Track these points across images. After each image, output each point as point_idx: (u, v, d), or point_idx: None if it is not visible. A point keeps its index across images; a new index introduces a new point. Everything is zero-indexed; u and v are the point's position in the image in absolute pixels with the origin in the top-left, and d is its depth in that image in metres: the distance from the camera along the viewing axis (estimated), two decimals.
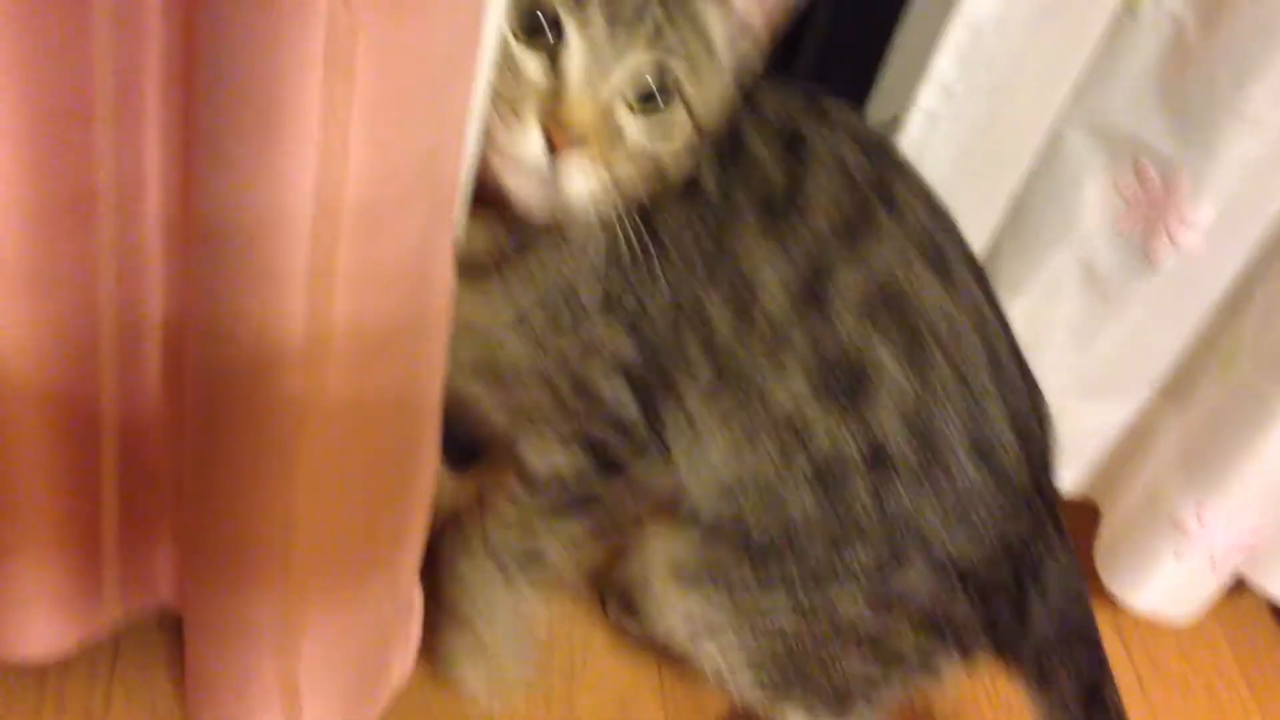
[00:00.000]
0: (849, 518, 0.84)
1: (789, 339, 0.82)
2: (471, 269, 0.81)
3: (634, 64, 0.74)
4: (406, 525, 0.87)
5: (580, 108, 0.73)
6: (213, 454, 0.76)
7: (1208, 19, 0.97)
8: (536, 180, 0.75)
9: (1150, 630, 1.22)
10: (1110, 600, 1.15)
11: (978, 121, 1.00)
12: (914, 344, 0.82)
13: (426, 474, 0.85)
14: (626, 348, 0.84)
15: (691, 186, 0.82)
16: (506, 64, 0.73)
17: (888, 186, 0.86)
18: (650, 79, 0.75)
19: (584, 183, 0.75)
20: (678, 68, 0.76)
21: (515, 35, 0.73)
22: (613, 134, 0.76)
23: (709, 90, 0.78)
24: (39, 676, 0.96)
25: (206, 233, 0.65)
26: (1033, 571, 0.87)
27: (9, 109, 0.60)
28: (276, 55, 0.56)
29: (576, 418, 0.87)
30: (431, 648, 1.00)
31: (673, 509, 0.90)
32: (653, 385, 0.85)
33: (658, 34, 0.74)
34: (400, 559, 0.89)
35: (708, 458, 0.86)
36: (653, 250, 0.81)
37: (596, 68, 0.73)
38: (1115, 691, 0.92)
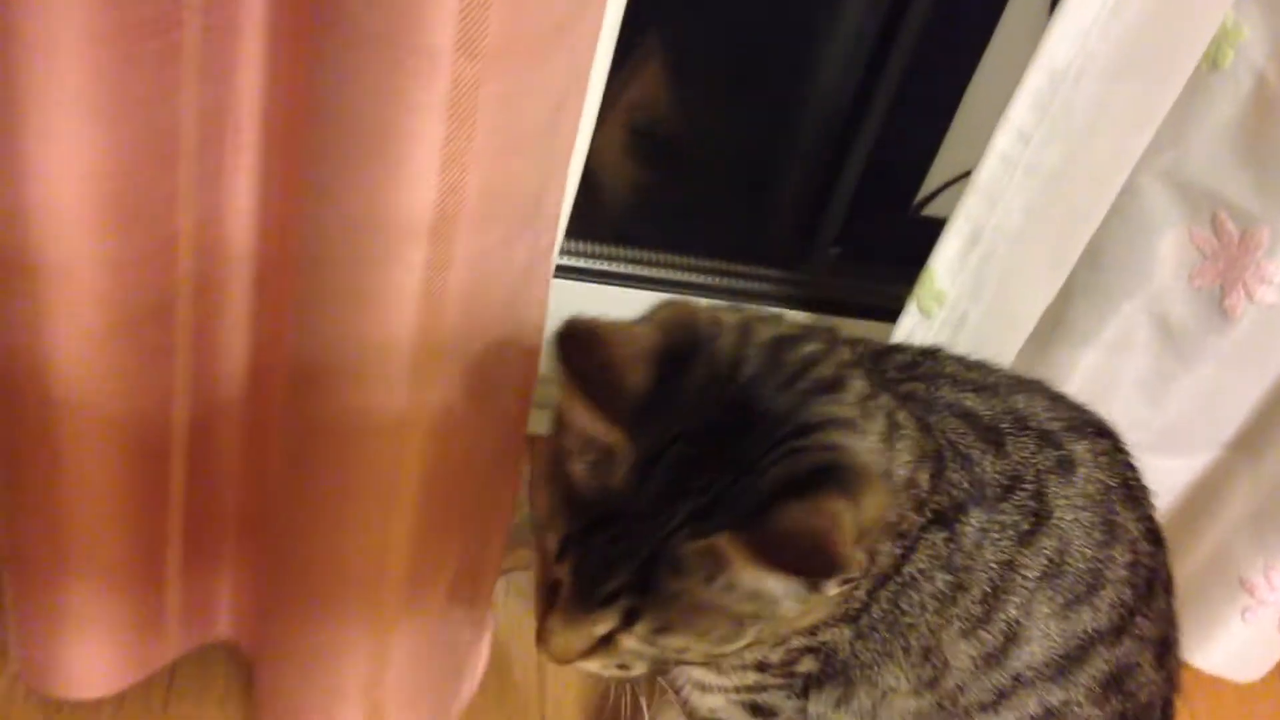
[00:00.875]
0: None
1: (1021, 692, 0.83)
2: None
3: (605, 630, 0.69)
4: (490, 549, 0.88)
5: (557, 642, 0.69)
6: (309, 485, 0.76)
7: None
8: None
9: (1213, 686, 1.19)
10: None
11: (1054, 170, 0.98)
12: (1121, 714, 0.86)
13: (509, 497, 0.86)
14: (843, 640, 0.82)
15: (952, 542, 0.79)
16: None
17: (1155, 572, 0.87)
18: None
19: (600, 669, 0.72)
20: (657, 636, 0.68)
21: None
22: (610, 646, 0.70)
23: (720, 645, 0.70)
24: (94, 709, 0.95)
25: (312, 263, 0.66)
26: None
27: (92, 150, 0.60)
28: (397, 101, 0.56)
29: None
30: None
31: None
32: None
33: (630, 617, 0.68)
34: (482, 582, 0.90)
35: None
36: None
37: (572, 615, 0.69)
38: None
